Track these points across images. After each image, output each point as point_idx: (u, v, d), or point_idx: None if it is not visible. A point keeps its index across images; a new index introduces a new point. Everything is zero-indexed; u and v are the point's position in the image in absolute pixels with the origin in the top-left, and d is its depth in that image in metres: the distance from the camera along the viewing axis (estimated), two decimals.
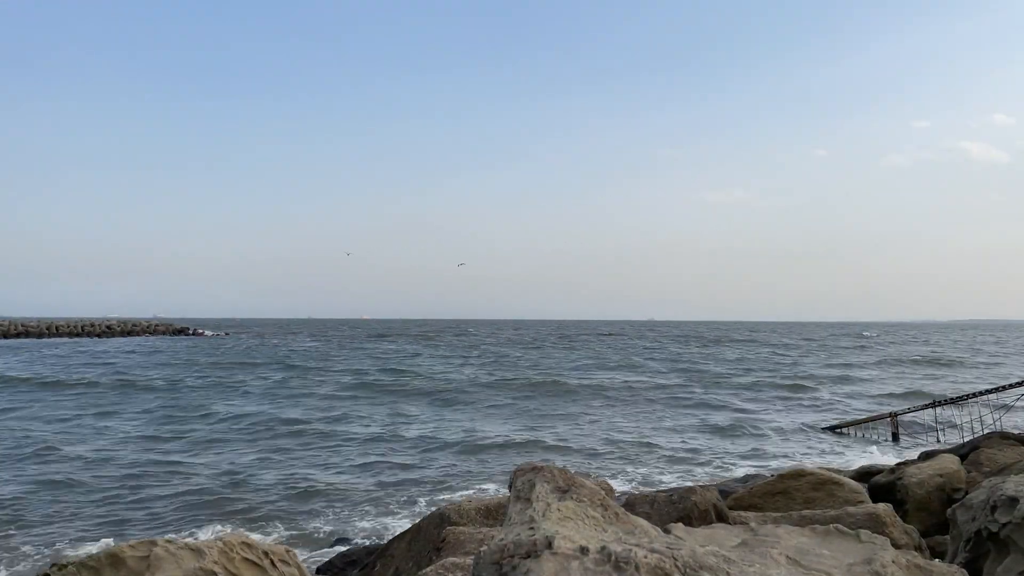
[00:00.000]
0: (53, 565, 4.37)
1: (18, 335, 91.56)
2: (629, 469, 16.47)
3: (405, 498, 13.82)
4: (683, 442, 20.14)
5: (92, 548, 10.34)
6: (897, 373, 44.47)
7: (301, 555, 8.31)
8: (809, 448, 19.45)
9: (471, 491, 14.19)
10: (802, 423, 23.83)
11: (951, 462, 9.75)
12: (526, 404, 28.34)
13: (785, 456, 18.19)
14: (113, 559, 4.28)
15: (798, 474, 9.15)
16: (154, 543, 4.40)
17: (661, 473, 16.11)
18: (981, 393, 20.33)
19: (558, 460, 17.29)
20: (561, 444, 19.48)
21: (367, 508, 13.14)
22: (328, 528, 12.09)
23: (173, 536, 7.69)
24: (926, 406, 21.17)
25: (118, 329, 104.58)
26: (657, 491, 8.74)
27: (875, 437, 20.66)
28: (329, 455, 17.90)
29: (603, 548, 2.81)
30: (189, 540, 4.60)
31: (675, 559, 2.78)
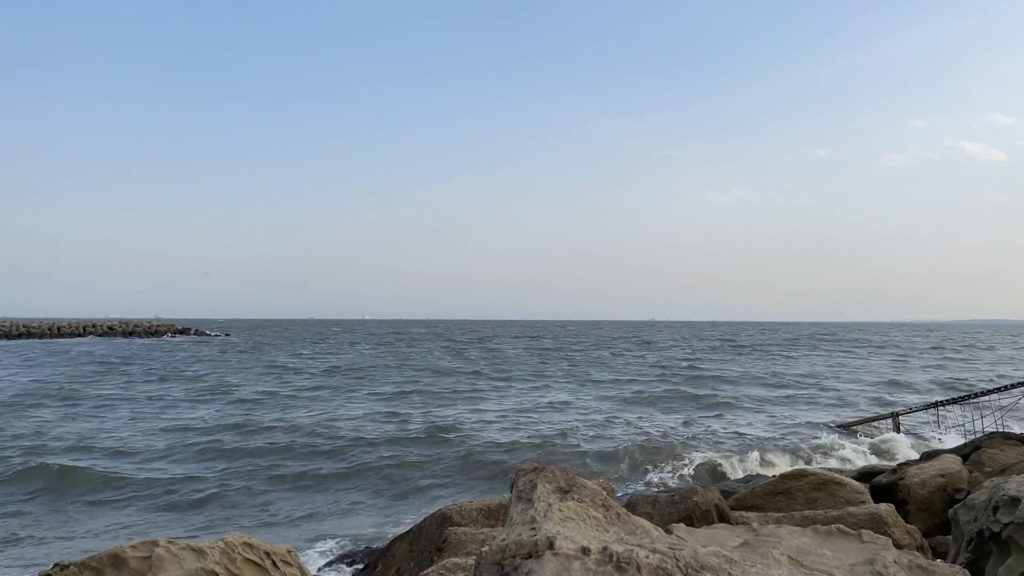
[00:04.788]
0: (55, 565, 4.37)
1: (20, 336, 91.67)
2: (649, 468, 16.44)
3: (407, 497, 13.82)
4: None
5: (94, 548, 10.36)
6: None
7: (302, 555, 8.31)
8: (810, 448, 19.42)
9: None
10: (806, 421, 23.81)
11: (953, 462, 9.74)
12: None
13: (786, 455, 18.17)
14: (115, 559, 4.29)
15: (800, 474, 9.14)
16: (156, 543, 4.40)
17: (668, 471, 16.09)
18: (983, 393, 20.32)
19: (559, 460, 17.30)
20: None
21: (368, 508, 13.14)
22: (329, 528, 12.09)
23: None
24: (928, 406, 21.16)
25: (119, 330, 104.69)
26: (659, 491, 8.74)
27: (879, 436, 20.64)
28: (329, 455, 17.90)
29: (605, 548, 2.81)
30: (191, 540, 4.60)
31: (677, 559, 2.78)
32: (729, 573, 2.81)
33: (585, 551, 2.79)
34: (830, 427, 22.72)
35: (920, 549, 6.59)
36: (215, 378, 38.78)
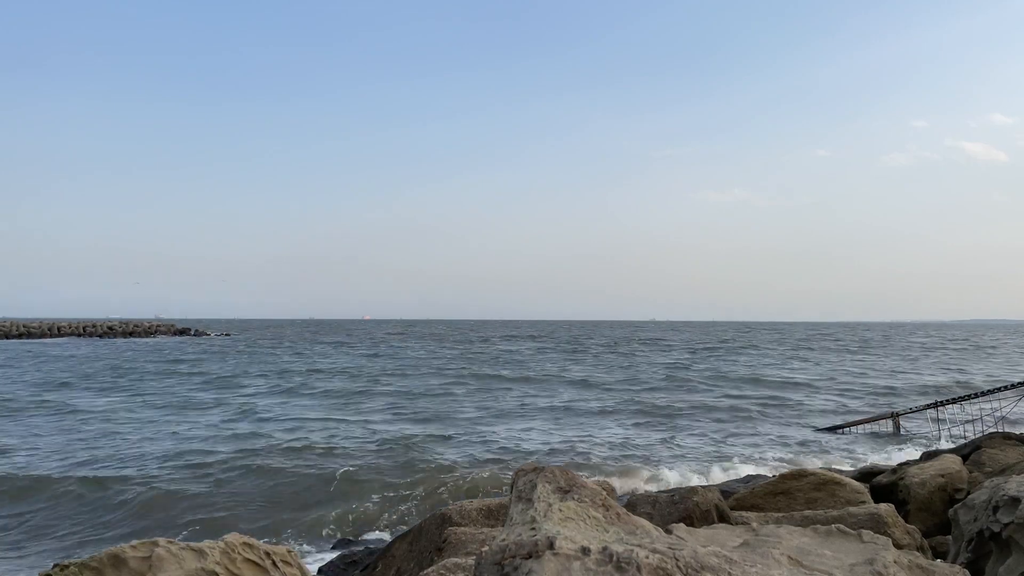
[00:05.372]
0: (55, 565, 4.37)
1: (20, 336, 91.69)
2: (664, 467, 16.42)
3: (407, 498, 13.82)
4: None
5: (94, 548, 10.35)
6: None
7: (302, 555, 8.32)
8: (810, 448, 19.43)
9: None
10: (805, 422, 23.83)
11: (953, 462, 9.73)
12: None
13: (786, 456, 18.17)
14: (115, 559, 4.29)
15: (800, 474, 9.14)
16: (156, 543, 4.41)
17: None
18: (983, 393, 20.33)
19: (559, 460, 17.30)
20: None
21: (368, 508, 13.14)
22: (329, 528, 12.09)
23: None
24: (927, 406, 21.17)
25: (119, 330, 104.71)
26: (659, 491, 8.74)
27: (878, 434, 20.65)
28: (330, 455, 17.89)
29: (605, 548, 2.81)
30: (191, 541, 4.61)
31: (677, 559, 2.77)
32: (729, 573, 2.81)
33: (585, 551, 2.79)
34: (830, 427, 22.73)
35: (920, 549, 6.59)
36: (211, 379, 38.80)
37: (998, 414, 19.38)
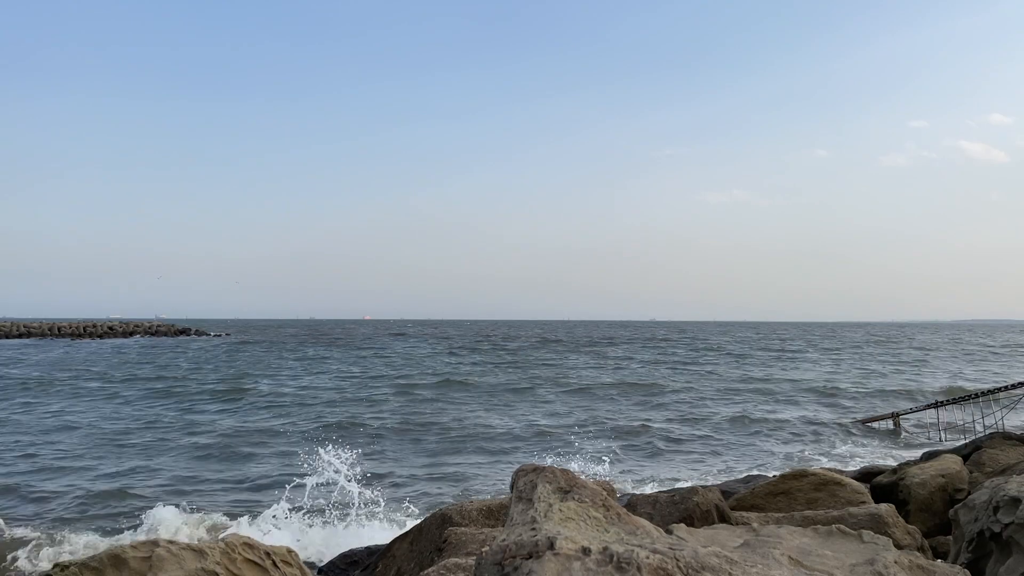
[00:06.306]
0: (55, 565, 4.38)
1: (20, 336, 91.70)
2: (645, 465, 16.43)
3: (408, 497, 13.82)
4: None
5: (94, 548, 10.34)
6: None
7: (303, 555, 8.29)
8: (810, 448, 19.43)
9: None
10: (805, 422, 23.83)
11: (953, 462, 9.73)
12: None
13: (786, 455, 18.17)
14: (115, 559, 4.29)
15: (800, 475, 9.13)
16: (156, 543, 4.41)
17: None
18: (983, 393, 20.33)
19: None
20: None
21: (369, 508, 13.13)
22: (330, 528, 12.09)
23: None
24: (928, 406, 21.17)
25: (119, 330, 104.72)
26: (659, 492, 8.74)
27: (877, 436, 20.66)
28: (331, 455, 17.88)
29: (605, 549, 2.81)
30: (191, 540, 4.61)
31: (677, 560, 2.77)
32: (730, 573, 2.81)
33: (585, 551, 2.79)
34: (830, 427, 22.74)
35: (920, 549, 6.58)
36: (218, 380, 38.80)
37: (998, 414, 19.38)
